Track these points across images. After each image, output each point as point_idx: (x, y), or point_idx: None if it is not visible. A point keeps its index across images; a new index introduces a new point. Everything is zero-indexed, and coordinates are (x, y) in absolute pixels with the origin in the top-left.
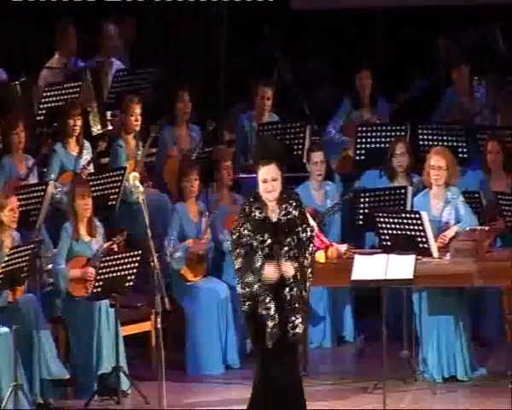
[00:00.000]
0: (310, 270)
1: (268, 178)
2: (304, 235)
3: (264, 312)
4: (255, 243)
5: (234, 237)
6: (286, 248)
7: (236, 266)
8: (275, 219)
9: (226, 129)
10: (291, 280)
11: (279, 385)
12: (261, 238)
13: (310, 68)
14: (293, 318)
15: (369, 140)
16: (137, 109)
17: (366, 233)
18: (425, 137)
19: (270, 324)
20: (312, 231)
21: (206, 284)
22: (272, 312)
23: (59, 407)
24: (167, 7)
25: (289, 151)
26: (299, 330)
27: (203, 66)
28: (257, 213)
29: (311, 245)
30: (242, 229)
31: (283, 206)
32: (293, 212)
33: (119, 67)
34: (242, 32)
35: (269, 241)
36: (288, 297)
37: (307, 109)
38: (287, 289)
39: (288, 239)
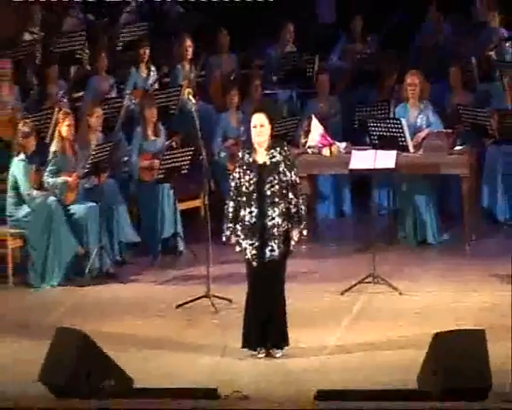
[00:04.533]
0: (303, 207)
1: (257, 124)
2: (289, 175)
3: (243, 243)
4: (243, 181)
5: (230, 179)
6: (267, 185)
7: (227, 207)
8: (261, 162)
9: (256, 56)
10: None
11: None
12: (248, 177)
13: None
14: (272, 243)
15: (362, 65)
16: (188, 42)
17: (360, 134)
18: (408, 63)
19: (249, 250)
20: (297, 174)
21: None
22: (252, 241)
23: (132, 262)
24: None
25: (303, 73)
26: (275, 253)
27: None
28: (247, 157)
29: (299, 186)
30: (236, 172)
31: (270, 151)
32: (277, 156)
33: None
34: None
35: (254, 179)
36: (270, 225)
37: (313, 41)
38: (268, 218)
39: (270, 178)
